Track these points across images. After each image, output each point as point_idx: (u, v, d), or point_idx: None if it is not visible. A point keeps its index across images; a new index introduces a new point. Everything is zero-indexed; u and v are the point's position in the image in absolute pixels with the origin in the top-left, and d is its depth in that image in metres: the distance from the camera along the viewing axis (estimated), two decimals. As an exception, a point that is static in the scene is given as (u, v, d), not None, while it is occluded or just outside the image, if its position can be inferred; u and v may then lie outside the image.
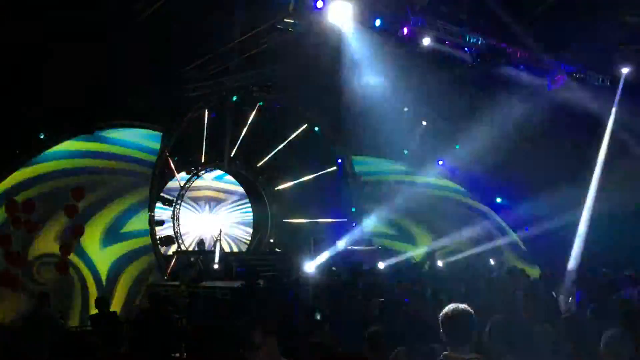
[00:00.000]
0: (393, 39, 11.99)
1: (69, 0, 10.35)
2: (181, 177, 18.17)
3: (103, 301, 8.36)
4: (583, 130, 14.62)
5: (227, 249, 18.94)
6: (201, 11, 11.25)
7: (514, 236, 18.17)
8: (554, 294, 7.98)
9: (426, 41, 11.82)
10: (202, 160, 18.07)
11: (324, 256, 15.01)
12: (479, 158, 16.23)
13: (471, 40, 12.15)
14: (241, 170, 19.89)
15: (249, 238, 20.53)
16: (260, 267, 15.08)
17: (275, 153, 18.94)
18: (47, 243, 12.47)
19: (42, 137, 12.79)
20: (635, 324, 4.48)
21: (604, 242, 14.16)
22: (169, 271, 15.35)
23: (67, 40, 10.86)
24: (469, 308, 3.40)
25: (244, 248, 20.32)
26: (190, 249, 18.28)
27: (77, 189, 12.67)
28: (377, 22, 11.03)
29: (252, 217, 20.71)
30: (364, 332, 4.95)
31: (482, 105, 14.75)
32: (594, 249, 14.48)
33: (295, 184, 19.48)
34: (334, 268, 13.94)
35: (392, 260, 15.31)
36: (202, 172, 18.98)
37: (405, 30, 11.36)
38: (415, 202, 17.59)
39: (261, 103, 17.30)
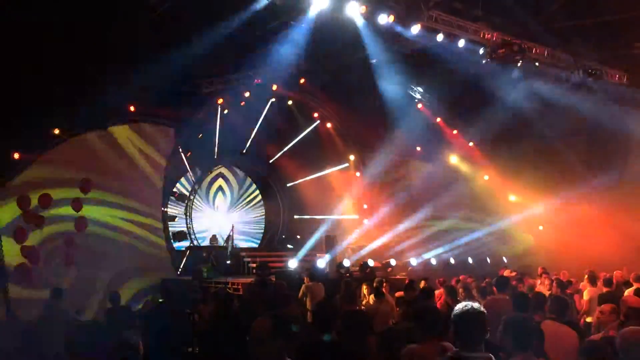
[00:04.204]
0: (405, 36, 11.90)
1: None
2: (194, 172, 18.30)
3: (116, 295, 8.43)
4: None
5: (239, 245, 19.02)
6: (216, 6, 11.26)
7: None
8: None
9: (439, 38, 11.74)
10: (215, 156, 18.15)
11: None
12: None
13: (486, 37, 12.05)
14: (254, 167, 19.95)
15: (261, 234, 20.62)
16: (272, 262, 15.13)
17: (288, 149, 18.96)
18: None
19: (56, 132, 12.90)
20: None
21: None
22: (181, 266, 15.45)
23: (81, 36, 10.93)
24: (481, 308, 3.37)
25: (256, 244, 20.41)
26: (203, 244, 18.39)
27: (85, 181, 12.71)
28: (386, 19, 10.88)
29: (264, 213, 20.79)
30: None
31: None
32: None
33: (307, 180, 19.50)
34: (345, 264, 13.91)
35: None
36: (215, 167, 19.08)
37: (419, 27, 11.26)
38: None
39: (274, 100, 17.32)
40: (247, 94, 15.91)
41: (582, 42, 12.64)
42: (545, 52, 12.76)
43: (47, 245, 12.36)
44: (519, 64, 12.40)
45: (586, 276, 9.20)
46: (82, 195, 12.70)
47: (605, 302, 5.83)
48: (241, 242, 19.73)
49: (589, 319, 8.04)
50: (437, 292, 8.87)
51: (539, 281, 10.37)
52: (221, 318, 6.39)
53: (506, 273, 11.25)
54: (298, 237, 19.10)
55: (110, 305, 8.46)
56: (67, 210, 12.60)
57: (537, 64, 12.85)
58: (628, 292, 7.71)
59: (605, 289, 8.14)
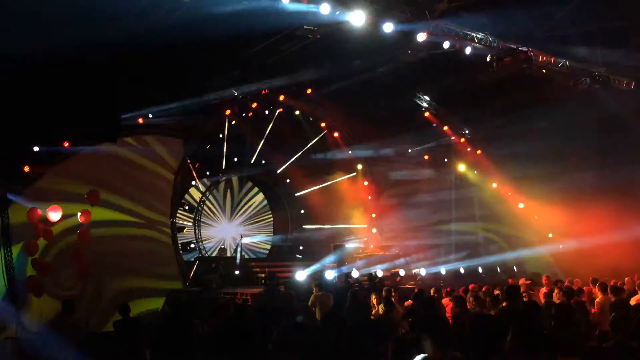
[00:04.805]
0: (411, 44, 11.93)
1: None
2: (202, 183, 18.35)
3: (125, 307, 8.42)
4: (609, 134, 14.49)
5: (247, 255, 19.02)
6: (221, 19, 11.34)
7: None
8: None
9: (445, 46, 11.74)
10: (223, 167, 18.21)
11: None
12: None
13: (492, 45, 12.06)
14: (262, 177, 19.97)
15: (270, 244, 20.61)
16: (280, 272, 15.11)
17: (296, 159, 18.99)
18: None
19: (65, 144, 13.01)
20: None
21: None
22: (190, 277, 15.46)
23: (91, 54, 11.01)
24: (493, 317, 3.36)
25: (264, 254, 20.40)
26: (211, 254, 18.41)
27: (92, 193, 12.75)
28: (391, 27, 10.91)
29: (272, 223, 20.79)
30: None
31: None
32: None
33: (315, 190, 19.51)
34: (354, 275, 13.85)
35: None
36: (223, 178, 19.14)
37: (425, 35, 11.28)
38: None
39: (281, 110, 17.39)
40: (254, 105, 15.97)
41: (588, 48, 12.62)
42: (552, 60, 12.73)
43: (57, 257, 12.45)
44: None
45: (597, 284, 9.12)
46: (90, 206, 12.74)
47: (616, 310, 5.77)
48: (249, 253, 19.73)
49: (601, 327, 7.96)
50: (444, 300, 8.85)
51: (545, 289, 10.29)
52: (230, 328, 6.39)
53: (521, 282, 11.18)
54: (305, 247, 19.08)
55: (119, 316, 8.47)
56: (76, 222, 12.67)
57: (544, 70, 12.84)
58: (633, 299, 7.65)
59: (614, 297, 8.06)
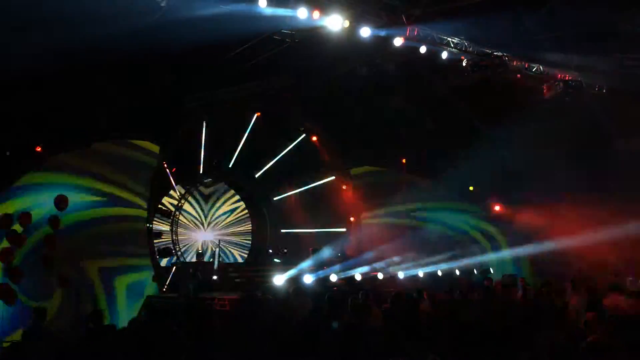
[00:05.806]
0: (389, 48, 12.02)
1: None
2: (179, 188, 18.20)
3: (97, 315, 8.23)
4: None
5: (225, 260, 18.90)
6: (198, 23, 11.27)
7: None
8: None
9: (422, 50, 11.87)
10: (201, 172, 18.07)
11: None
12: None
13: (467, 50, 12.22)
14: (239, 181, 19.87)
15: (248, 249, 20.49)
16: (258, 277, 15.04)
17: (274, 163, 18.94)
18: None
19: (38, 149, 12.77)
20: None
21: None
22: (167, 283, 15.27)
23: (65, 59, 10.86)
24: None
25: (242, 259, 20.28)
26: (189, 260, 18.23)
27: (61, 198, 12.49)
28: (368, 32, 10.98)
29: (250, 228, 20.68)
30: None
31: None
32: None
33: (293, 194, 19.49)
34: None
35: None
36: (201, 183, 19.00)
37: (401, 40, 11.39)
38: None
39: (259, 114, 17.32)
40: (232, 109, 15.88)
41: (562, 54, 12.88)
42: (526, 65, 12.97)
43: (28, 263, 12.20)
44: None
45: (572, 285, 9.27)
46: (59, 212, 12.49)
47: (590, 309, 5.87)
48: (228, 258, 19.61)
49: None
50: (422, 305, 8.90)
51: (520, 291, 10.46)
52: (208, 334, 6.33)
53: (497, 284, 11.32)
54: (285, 251, 19.00)
55: (91, 324, 8.31)
56: (46, 228, 12.43)
57: (518, 75, 13.07)
58: (607, 300, 7.78)
59: (589, 298, 8.18)
